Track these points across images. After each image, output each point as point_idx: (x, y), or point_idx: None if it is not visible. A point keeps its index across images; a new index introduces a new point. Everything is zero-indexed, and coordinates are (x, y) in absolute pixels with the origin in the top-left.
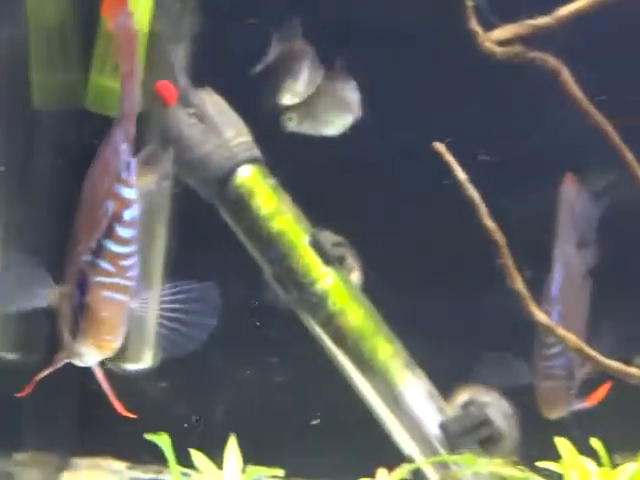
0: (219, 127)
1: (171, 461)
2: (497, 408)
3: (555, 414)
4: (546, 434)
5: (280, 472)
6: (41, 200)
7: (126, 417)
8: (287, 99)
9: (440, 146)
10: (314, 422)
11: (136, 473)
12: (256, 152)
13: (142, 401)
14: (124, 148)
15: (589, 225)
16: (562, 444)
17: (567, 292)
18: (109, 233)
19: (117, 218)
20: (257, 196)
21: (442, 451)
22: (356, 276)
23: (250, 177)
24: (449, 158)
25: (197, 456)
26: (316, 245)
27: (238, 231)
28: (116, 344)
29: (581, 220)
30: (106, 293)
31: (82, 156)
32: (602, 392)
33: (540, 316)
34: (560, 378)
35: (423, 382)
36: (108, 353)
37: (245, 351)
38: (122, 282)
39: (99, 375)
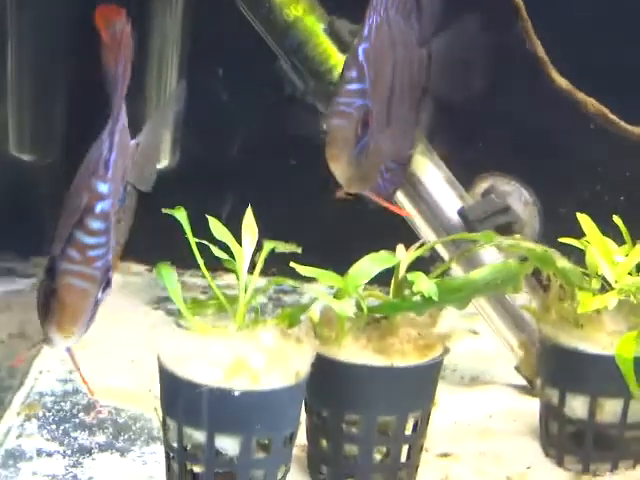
0: None
1: (187, 232)
2: (518, 197)
3: (337, 164)
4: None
5: (298, 249)
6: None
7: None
8: None
9: None
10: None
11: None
12: None
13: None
14: (106, 145)
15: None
16: (584, 220)
17: None
18: (80, 224)
19: (89, 210)
20: None
21: None
22: None
23: None
24: None
25: (214, 223)
26: (333, 33)
27: (254, 22)
28: (77, 330)
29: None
30: (71, 280)
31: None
32: None
33: (560, 81)
34: (353, 118)
35: (442, 169)
36: (70, 339)
37: None
38: (88, 271)
39: (73, 360)
